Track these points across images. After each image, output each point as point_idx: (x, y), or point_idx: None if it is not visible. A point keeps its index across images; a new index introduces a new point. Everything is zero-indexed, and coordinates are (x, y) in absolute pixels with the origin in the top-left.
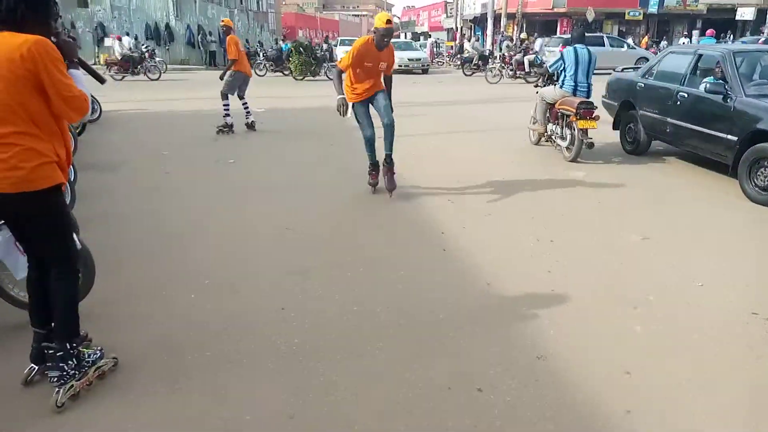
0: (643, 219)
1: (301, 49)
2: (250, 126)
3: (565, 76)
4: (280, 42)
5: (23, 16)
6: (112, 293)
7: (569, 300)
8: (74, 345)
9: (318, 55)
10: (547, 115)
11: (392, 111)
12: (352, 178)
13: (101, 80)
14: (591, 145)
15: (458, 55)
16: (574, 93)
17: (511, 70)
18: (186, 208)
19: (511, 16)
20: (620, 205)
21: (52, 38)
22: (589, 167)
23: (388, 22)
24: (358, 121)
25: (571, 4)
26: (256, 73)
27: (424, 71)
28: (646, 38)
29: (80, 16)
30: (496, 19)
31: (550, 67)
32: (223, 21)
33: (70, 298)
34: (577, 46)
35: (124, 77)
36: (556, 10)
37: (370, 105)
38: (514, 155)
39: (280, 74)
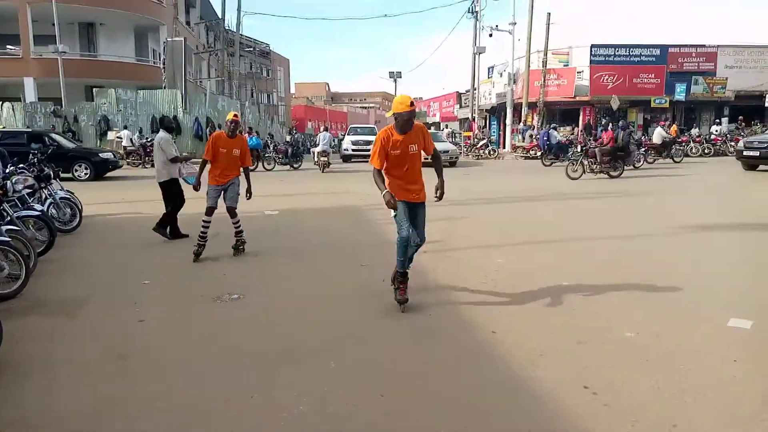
0: None
1: None
2: (238, 250)
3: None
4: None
5: None
6: None
7: None
8: None
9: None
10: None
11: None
12: (403, 326)
13: None
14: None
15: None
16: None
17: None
18: (161, 407)
19: (531, 105)
20: None
21: None
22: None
23: (411, 104)
24: (396, 219)
25: (594, 92)
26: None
27: (452, 164)
28: (675, 126)
29: (84, 110)
30: (515, 108)
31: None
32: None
33: None
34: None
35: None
36: (578, 98)
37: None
38: (627, 283)
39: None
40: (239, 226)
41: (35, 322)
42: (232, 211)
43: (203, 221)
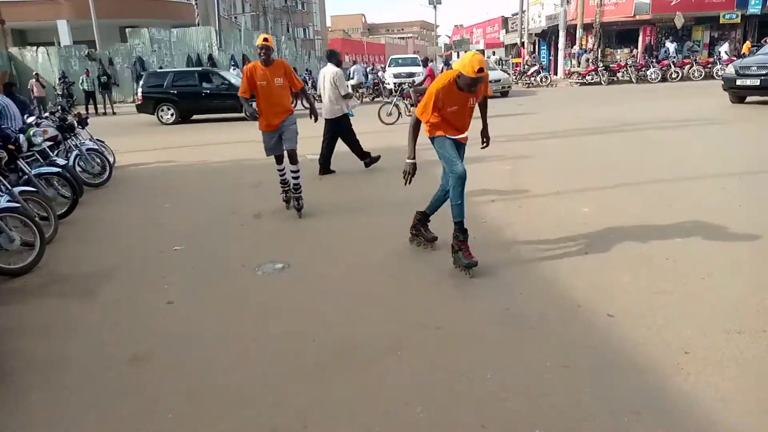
0: None
1: None
2: (297, 209)
3: None
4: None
5: None
6: None
7: None
8: None
9: None
10: None
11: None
12: (489, 312)
13: None
14: None
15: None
16: None
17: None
18: None
19: (586, 27)
20: None
21: None
22: None
23: (480, 71)
24: (445, 156)
25: (655, 9)
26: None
27: (504, 94)
28: (748, 43)
29: (118, 52)
30: (567, 31)
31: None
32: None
33: None
34: None
35: None
36: (638, 17)
37: None
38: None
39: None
40: (298, 177)
41: (48, 306)
42: (292, 155)
43: (278, 170)
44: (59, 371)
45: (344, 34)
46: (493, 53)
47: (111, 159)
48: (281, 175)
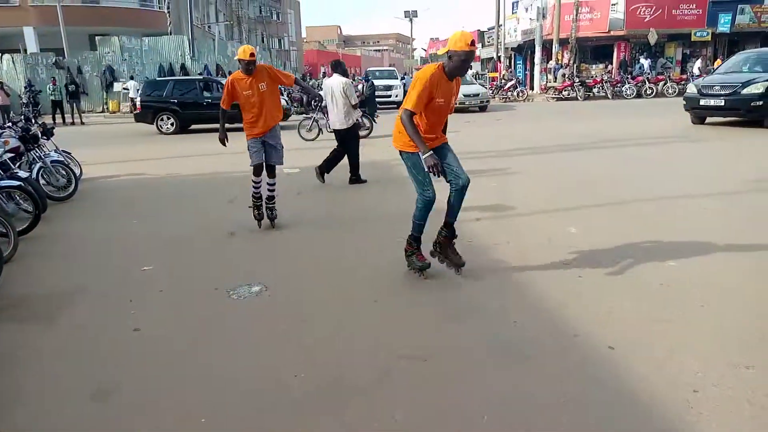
0: None
1: None
2: (270, 218)
3: None
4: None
5: None
6: None
7: None
8: None
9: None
10: None
11: None
12: (478, 338)
13: None
14: None
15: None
16: None
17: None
18: None
19: (562, 42)
20: None
21: None
22: None
23: (472, 43)
24: (417, 179)
25: (630, 26)
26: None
27: (482, 108)
28: (719, 60)
29: (87, 60)
30: (543, 46)
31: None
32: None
33: None
34: None
35: None
36: (612, 33)
37: None
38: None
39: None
40: (274, 190)
41: (3, 332)
42: (272, 170)
43: (253, 182)
44: (11, 408)
45: (320, 46)
46: (470, 67)
47: (77, 171)
48: (256, 188)
